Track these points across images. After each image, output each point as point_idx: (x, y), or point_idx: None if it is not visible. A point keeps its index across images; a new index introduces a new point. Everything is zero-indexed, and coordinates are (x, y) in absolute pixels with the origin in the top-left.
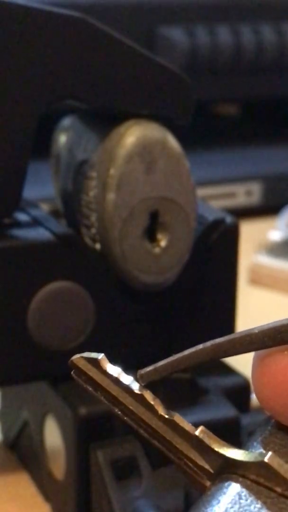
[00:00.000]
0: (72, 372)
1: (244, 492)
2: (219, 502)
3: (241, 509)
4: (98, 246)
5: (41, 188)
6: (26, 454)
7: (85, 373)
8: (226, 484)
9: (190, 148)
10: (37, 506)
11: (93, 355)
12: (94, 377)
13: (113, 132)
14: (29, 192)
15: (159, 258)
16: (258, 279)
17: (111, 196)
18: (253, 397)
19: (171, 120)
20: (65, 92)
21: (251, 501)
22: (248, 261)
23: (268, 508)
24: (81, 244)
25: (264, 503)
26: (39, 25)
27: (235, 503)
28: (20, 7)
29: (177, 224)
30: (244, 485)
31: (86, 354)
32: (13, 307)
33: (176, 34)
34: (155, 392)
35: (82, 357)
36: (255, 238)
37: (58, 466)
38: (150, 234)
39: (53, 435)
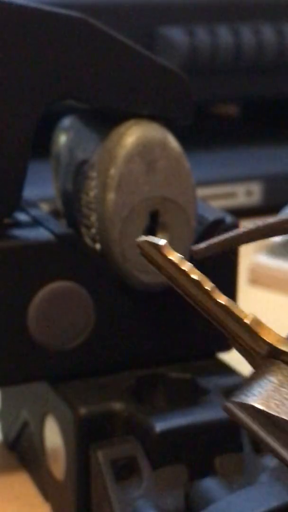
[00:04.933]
0: (138, 252)
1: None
2: (261, 387)
3: (281, 397)
4: (98, 246)
5: (41, 188)
6: (26, 454)
7: (149, 255)
8: (269, 369)
9: (190, 148)
10: (37, 506)
11: (155, 240)
12: (157, 260)
13: (113, 132)
14: (29, 192)
15: None
16: (258, 279)
17: (111, 196)
18: None
19: (171, 120)
20: (65, 92)
21: None
22: (248, 261)
23: None
24: (81, 244)
25: None
26: (39, 25)
27: (276, 390)
28: (20, 7)
29: (177, 224)
30: (287, 373)
31: (150, 239)
32: (13, 307)
33: (176, 34)
34: (155, 392)
35: (146, 241)
36: None
37: (58, 466)
38: (150, 234)
39: (53, 435)
